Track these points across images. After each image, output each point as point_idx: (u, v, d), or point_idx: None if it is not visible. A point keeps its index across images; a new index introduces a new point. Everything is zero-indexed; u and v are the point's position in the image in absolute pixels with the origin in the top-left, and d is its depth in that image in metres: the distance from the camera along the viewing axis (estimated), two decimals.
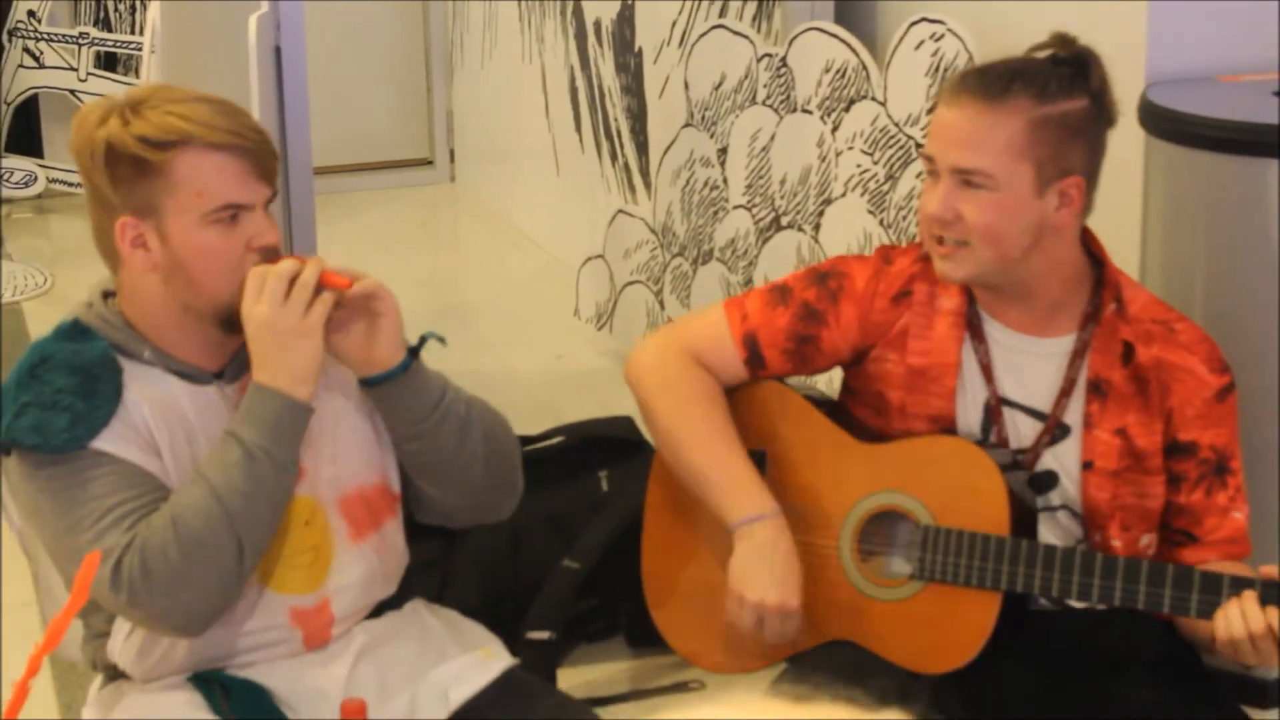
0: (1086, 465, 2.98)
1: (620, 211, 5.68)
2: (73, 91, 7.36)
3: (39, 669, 1.79)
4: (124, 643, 2.70)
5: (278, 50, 3.87)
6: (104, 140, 2.59)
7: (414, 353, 2.72)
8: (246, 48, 3.91)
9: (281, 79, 3.88)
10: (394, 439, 2.78)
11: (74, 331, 2.67)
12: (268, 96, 3.87)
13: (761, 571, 2.96)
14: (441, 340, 2.78)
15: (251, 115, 2.72)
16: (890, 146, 4.39)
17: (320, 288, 2.62)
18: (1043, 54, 2.92)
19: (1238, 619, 2.71)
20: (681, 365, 3.09)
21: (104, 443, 2.60)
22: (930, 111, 3.08)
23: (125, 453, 2.61)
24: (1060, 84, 2.89)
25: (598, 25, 5.87)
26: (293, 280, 2.60)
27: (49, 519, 2.63)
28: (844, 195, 4.54)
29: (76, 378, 2.61)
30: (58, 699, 3.75)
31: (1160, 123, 3.63)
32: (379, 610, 2.83)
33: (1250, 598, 2.71)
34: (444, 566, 3.80)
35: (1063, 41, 2.92)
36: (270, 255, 2.65)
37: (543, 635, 3.68)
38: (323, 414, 2.72)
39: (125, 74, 7.48)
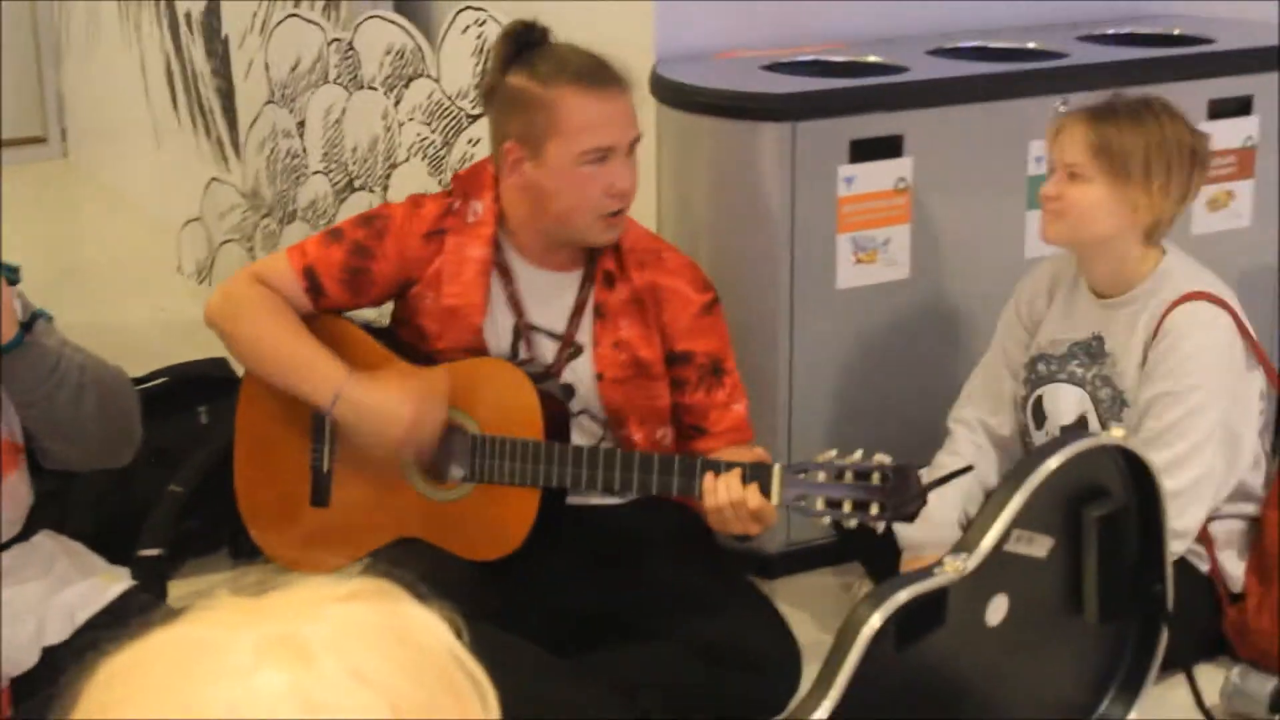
0: (599, 377, 3.17)
1: (214, 179, 5.65)
2: None
3: None
4: None
5: None
6: None
7: (26, 329, 2.68)
8: None
9: None
10: (14, 404, 2.75)
11: None
12: None
13: (369, 435, 3.08)
14: (49, 319, 2.75)
15: None
16: (445, 117, 4.46)
17: None
18: (511, 34, 3.16)
19: (723, 490, 2.92)
20: (248, 288, 3.18)
21: None
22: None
23: None
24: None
25: (188, 16, 5.80)
26: None
27: None
28: (407, 160, 4.60)
29: None
30: None
31: (668, 93, 3.82)
32: (7, 545, 2.82)
33: (735, 473, 2.92)
34: (62, 499, 3.67)
35: (521, 24, 3.16)
36: None
37: (153, 553, 3.68)
38: None
39: None
